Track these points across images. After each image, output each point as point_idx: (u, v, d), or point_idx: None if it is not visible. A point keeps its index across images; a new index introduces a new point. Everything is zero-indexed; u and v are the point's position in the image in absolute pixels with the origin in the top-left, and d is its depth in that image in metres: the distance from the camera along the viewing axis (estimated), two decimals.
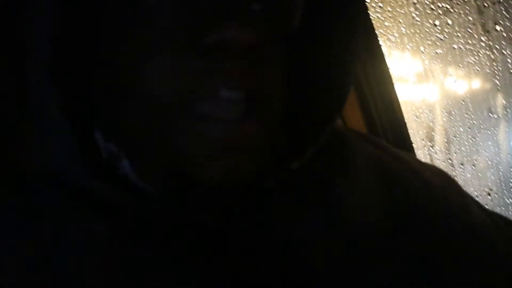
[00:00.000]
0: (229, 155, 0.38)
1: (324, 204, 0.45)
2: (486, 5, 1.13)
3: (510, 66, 1.17)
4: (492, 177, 1.25)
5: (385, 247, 0.44)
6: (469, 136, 1.23)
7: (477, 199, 1.23)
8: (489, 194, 1.23)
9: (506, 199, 1.23)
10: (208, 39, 0.37)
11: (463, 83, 1.21)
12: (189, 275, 0.39)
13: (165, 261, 0.39)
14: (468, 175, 1.25)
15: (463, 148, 1.24)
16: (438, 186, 0.52)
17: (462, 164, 1.25)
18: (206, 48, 0.37)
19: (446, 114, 1.23)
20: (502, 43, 1.16)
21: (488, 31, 1.15)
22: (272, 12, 0.40)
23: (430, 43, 1.16)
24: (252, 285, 0.40)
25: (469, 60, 1.18)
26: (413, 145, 1.11)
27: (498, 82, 1.19)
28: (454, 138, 1.24)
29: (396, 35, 1.12)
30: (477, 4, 1.13)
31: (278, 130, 0.42)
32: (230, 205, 0.41)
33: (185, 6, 0.38)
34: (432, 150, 1.22)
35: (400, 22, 1.12)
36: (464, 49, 1.17)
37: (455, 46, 1.17)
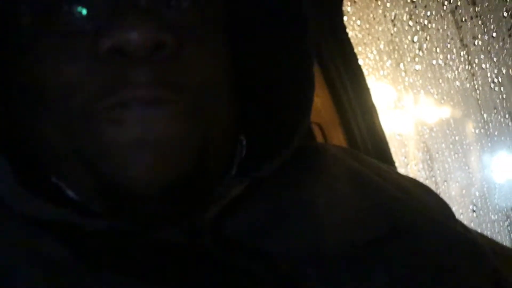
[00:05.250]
0: (144, 150, 0.36)
1: (301, 212, 0.44)
2: (464, 19, 1.14)
3: (489, 80, 1.18)
4: (477, 194, 1.25)
5: (374, 255, 0.43)
6: (452, 153, 1.24)
7: (461, 216, 1.22)
8: (473, 211, 1.23)
9: (491, 215, 1.23)
10: (102, 44, 0.34)
11: (444, 98, 1.22)
12: None
13: (132, 283, 0.37)
14: (453, 192, 1.26)
15: (446, 165, 1.25)
16: (420, 195, 0.51)
17: (445, 181, 1.25)
18: (104, 54, 0.35)
19: (428, 131, 1.24)
20: (481, 57, 1.17)
21: (466, 46, 1.17)
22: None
23: (409, 59, 1.17)
24: None
25: (448, 76, 1.19)
26: (395, 164, 1.11)
27: (478, 97, 1.21)
28: (437, 155, 1.24)
29: (375, 52, 1.14)
30: (455, 19, 1.14)
31: (233, 136, 0.42)
32: (176, 217, 0.39)
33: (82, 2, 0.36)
34: (415, 167, 1.22)
35: (378, 39, 1.13)
36: (443, 65, 1.18)
37: (434, 62, 1.18)
